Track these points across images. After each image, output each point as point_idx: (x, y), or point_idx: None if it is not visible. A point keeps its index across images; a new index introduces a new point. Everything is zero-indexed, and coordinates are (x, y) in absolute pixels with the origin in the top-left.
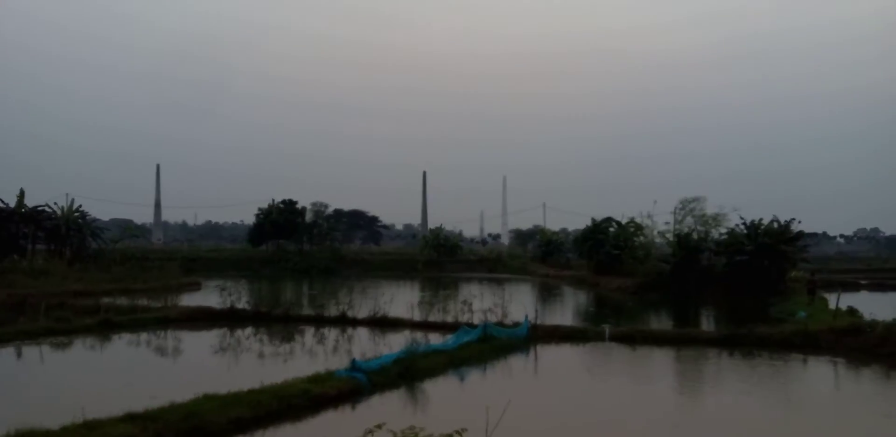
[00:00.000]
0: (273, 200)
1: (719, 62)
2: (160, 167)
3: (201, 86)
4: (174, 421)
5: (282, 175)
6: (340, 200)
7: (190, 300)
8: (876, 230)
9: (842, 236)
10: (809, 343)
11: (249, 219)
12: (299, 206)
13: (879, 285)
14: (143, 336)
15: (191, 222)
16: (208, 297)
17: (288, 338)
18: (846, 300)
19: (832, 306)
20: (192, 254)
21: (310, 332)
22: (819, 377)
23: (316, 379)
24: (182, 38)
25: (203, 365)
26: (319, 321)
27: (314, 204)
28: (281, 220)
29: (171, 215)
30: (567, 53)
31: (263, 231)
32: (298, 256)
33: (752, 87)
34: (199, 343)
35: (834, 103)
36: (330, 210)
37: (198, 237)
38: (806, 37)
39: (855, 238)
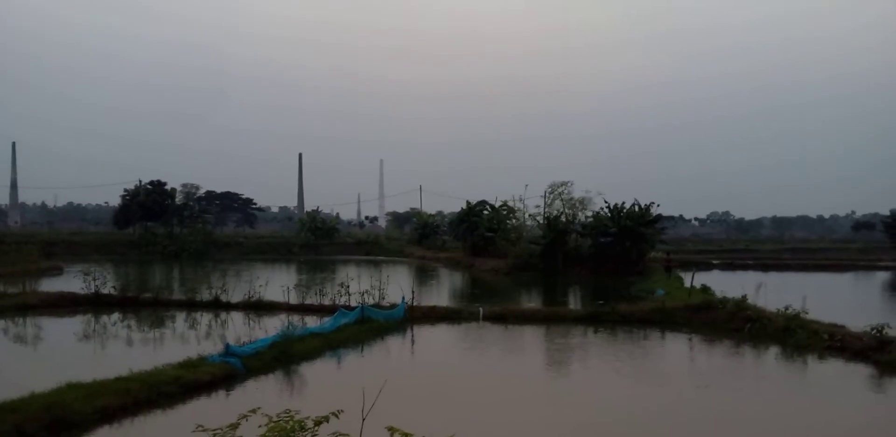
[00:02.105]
0: (140, 182)
1: (587, 50)
2: (16, 146)
3: (61, 67)
4: (35, 412)
5: (151, 156)
6: (213, 182)
7: (50, 286)
8: (727, 214)
9: (696, 218)
10: (667, 319)
11: (115, 201)
12: (168, 187)
13: (730, 265)
14: (0, 324)
15: (51, 204)
16: (71, 282)
17: (158, 324)
18: (700, 279)
19: (687, 284)
20: (53, 237)
21: (181, 317)
22: (675, 351)
23: (188, 365)
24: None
25: (66, 353)
26: (191, 306)
27: (184, 185)
28: (149, 202)
29: (29, 197)
30: (440, 36)
31: (130, 213)
32: (168, 239)
33: (623, 74)
34: (61, 330)
35: (693, 90)
36: (201, 192)
37: (59, 220)
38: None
39: (708, 221)
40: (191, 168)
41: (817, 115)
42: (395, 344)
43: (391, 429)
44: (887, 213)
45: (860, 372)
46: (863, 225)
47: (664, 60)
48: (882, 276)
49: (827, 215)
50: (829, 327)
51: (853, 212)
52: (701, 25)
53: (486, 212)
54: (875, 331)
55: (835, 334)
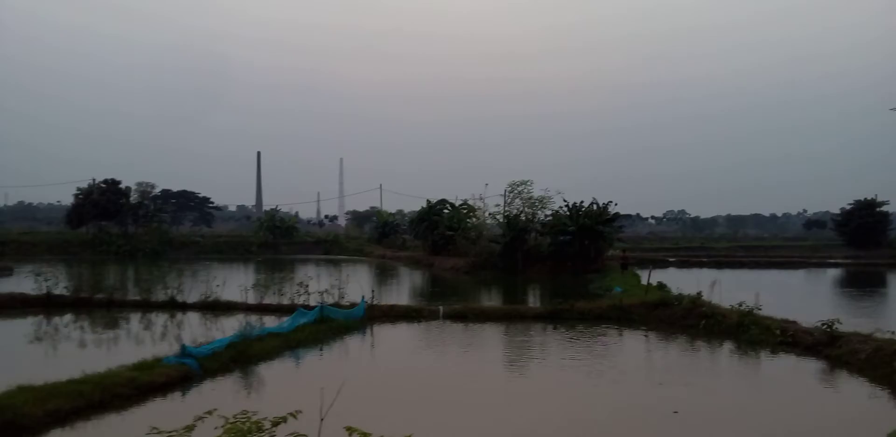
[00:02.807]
0: (94, 180)
1: (539, 55)
2: None
3: (12, 61)
4: None
5: (105, 154)
6: (169, 180)
7: None
8: (683, 212)
9: (653, 217)
10: (624, 316)
11: (68, 200)
12: (123, 186)
13: (685, 263)
14: None
15: (0, 203)
16: (21, 283)
17: (112, 325)
18: (656, 277)
19: (644, 282)
20: (2, 237)
21: (136, 318)
22: (632, 347)
23: (143, 367)
24: None
25: (17, 355)
26: (146, 307)
27: (139, 184)
28: (103, 200)
29: None
30: (403, 36)
31: (83, 213)
32: (123, 238)
33: (580, 78)
34: (11, 332)
35: (650, 94)
36: (157, 190)
37: (9, 219)
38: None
39: (665, 219)
40: (146, 166)
41: (770, 117)
42: (354, 344)
43: (349, 429)
44: (837, 211)
45: (811, 367)
46: (814, 223)
47: (619, 64)
48: (832, 272)
49: (780, 214)
50: (781, 322)
51: (805, 210)
52: (661, 29)
53: (446, 211)
54: (825, 326)
55: (787, 330)
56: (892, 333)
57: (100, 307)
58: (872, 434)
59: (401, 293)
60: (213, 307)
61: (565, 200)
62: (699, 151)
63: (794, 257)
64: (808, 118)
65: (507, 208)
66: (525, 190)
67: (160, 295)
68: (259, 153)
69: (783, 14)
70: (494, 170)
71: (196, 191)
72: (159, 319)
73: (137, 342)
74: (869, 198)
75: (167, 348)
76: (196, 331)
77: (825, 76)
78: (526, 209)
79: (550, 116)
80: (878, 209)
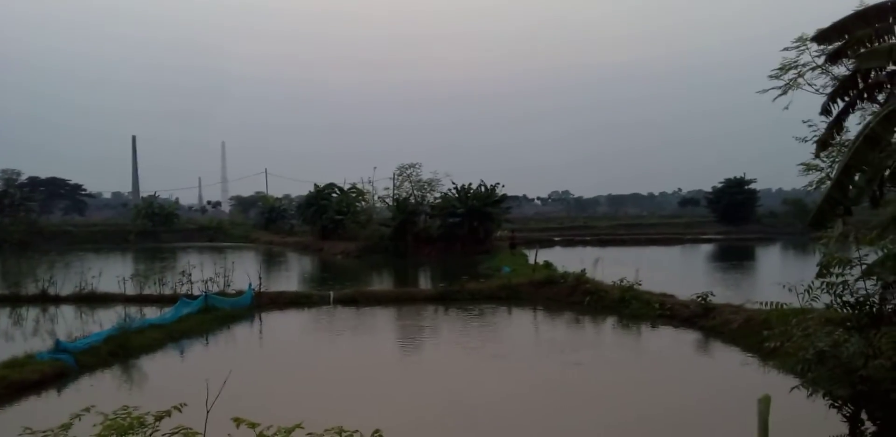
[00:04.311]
0: None
1: (451, 39)
2: None
3: None
4: None
5: None
6: (36, 167)
7: None
8: (567, 193)
9: (539, 198)
10: (513, 295)
11: None
12: None
13: (570, 242)
14: None
15: None
16: None
17: None
18: (543, 256)
19: (531, 261)
20: None
21: (4, 313)
22: (521, 325)
23: (13, 364)
24: None
25: None
26: (15, 301)
27: (4, 171)
28: None
29: None
30: (288, 13)
31: None
32: None
33: (456, 65)
34: None
35: (539, 82)
36: (24, 178)
37: None
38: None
39: (550, 200)
40: (11, 153)
41: (648, 102)
42: (241, 332)
43: (237, 420)
44: (710, 190)
45: (688, 338)
46: (688, 201)
47: (522, 48)
48: (706, 248)
49: (657, 193)
50: (660, 297)
51: (679, 189)
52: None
53: (334, 195)
54: (700, 299)
55: (665, 304)
56: (761, 303)
57: None
58: (744, 399)
59: (290, 280)
60: (89, 300)
61: (454, 183)
62: (579, 139)
63: (671, 233)
64: (681, 97)
65: (396, 191)
66: (414, 173)
67: (30, 288)
68: (134, 137)
69: None
70: (383, 154)
71: (67, 178)
72: (30, 313)
73: (7, 339)
74: (738, 176)
75: (40, 344)
76: (71, 325)
77: (711, 46)
78: (415, 192)
79: (441, 101)
80: (746, 187)
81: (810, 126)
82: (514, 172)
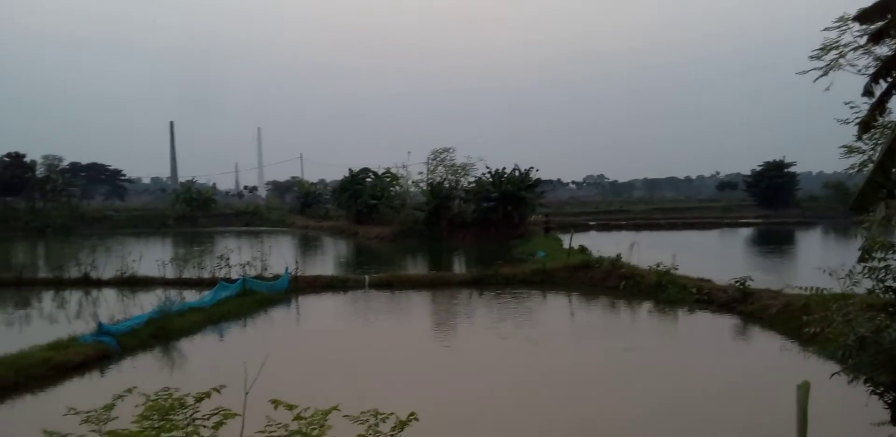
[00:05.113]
0: None
1: (472, 24)
2: None
3: None
4: None
5: (7, 126)
6: (78, 152)
7: None
8: (602, 177)
9: (573, 182)
10: (547, 280)
11: None
12: (28, 159)
13: (605, 226)
14: None
15: None
16: None
17: (23, 304)
18: (577, 240)
19: (566, 245)
20: None
21: (48, 296)
22: (556, 310)
23: (58, 346)
24: None
25: None
26: (59, 284)
27: (46, 157)
28: (6, 175)
29: None
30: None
31: None
32: (30, 214)
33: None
34: None
35: (565, 70)
36: (65, 164)
37: None
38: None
39: (584, 184)
40: (54, 138)
41: (684, 87)
42: (279, 315)
43: (275, 402)
44: (748, 173)
45: (726, 323)
46: (726, 185)
47: (555, 35)
48: (744, 232)
49: (694, 176)
50: (697, 281)
51: (717, 172)
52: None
53: (369, 180)
54: (738, 284)
55: (702, 288)
56: (801, 288)
57: (8, 286)
58: (783, 385)
59: (325, 264)
60: (130, 283)
61: (488, 167)
62: (617, 123)
63: (708, 217)
64: (720, 80)
65: (430, 176)
66: (448, 157)
67: (73, 272)
68: (172, 123)
69: None
70: (417, 143)
71: (107, 163)
72: (73, 296)
73: (51, 322)
74: (778, 159)
75: (83, 327)
76: (113, 308)
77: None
78: (449, 176)
79: (473, 90)
80: (786, 170)
81: (852, 108)
82: (549, 156)
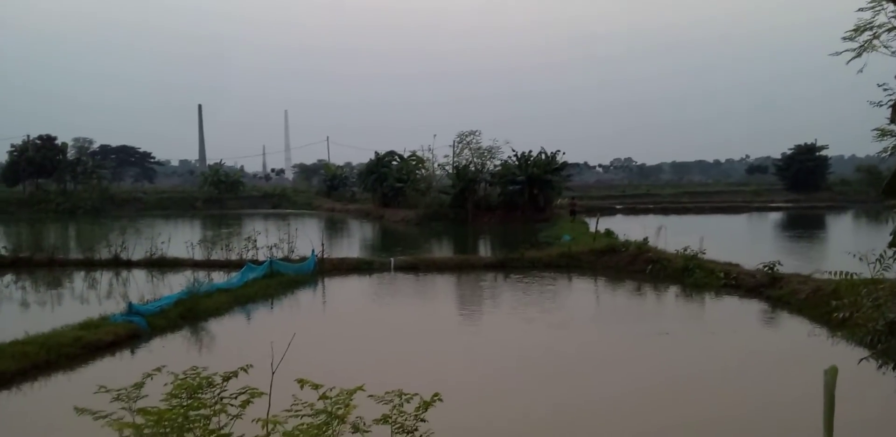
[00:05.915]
0: (28, 136)
1: (495, 6)
2: None
3: None
4: None
5: (39, 109)
6: (108, 135)
7: None
8: (629, 160)
9: (600, 165)
10: (573, 264)
11: (1, 157)
12: (59, 142)
13: (632, 210)
14: None
15: None
16: None
17: (55, 284)
18: (604, 224)
19: (592, 229)
20: None
21: (79, 277)
22: (582, 293)
23: (89, 326)
24: None
25: None
26: (90, 265)
27: (76, 140)
28: (38, 157)
29: None
30: None
31: (19, 170)
32: (61, 196)
33: (528, 31)
34: None
35: (592, 54)
36: (95, 146)
37: None
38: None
39: (612, 167)
40: (84, 121)
41: (712, 69)
42: (305, 297)
43: (301, 381)
44: (778, 156)
45: (754, 308)
46: (756, 168)
47: (570, 14)
48: (774, 216)
49: (723, 160)
50: (724, 266)
51: (747, 156)
52: None
53: (395, 162)
54: (767, 268)
55: (730, 273)
56: (831, 273)
57: (41, 267)
58: (811, 371)
59: (351, 246)
60: (159, 264)
61: (514, 150)
62: (648, 108)
63: (737, 201)
64: (751, 60)
65: (455, 159)
66: (474, 140)
67: (104, 253)
68: (200, 106)
69: None
70: (444, 127)
71: (136, 146)
72: (104, 277)
73: (82, 302)
74: (809, 143)
75: (113, 307)
76: (142, 288)
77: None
78: (475, 160)
79: (500, 73)
80: (817, 154)
81: (886, 90)
82: (576, 139)
